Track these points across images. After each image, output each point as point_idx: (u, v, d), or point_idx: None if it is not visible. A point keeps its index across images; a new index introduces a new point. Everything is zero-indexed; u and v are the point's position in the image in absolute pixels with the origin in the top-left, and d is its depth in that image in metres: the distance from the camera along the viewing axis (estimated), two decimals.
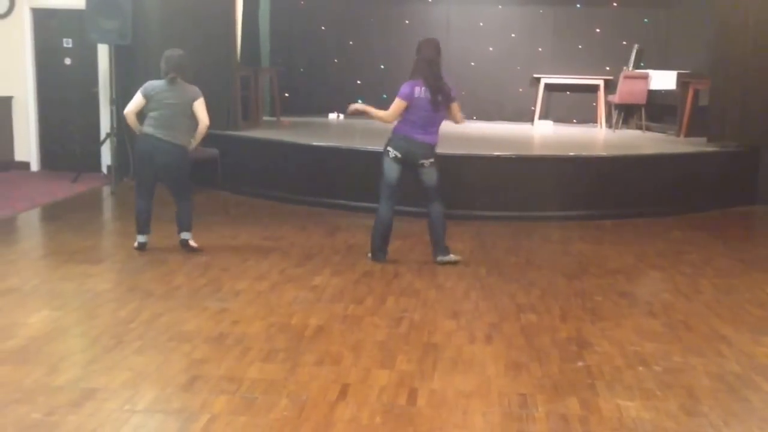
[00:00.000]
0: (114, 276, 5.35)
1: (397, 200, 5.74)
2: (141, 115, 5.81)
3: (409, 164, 5.62)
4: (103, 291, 4.94)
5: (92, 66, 9.38)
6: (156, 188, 5.98)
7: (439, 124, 5.73)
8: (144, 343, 4.01)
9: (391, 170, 5.63)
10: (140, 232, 5.91)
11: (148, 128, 5.70)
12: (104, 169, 9.36)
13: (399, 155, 5.58)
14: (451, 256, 5.70)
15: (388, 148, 5.64)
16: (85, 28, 8.55)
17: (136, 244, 5.92)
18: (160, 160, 5.71)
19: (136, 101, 5.76)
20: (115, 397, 3.36)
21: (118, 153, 8.75)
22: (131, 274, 5.30)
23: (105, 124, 9.17)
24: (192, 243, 5.93)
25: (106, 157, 9.12)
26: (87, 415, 3.18)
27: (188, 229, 5.97)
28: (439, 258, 5.69)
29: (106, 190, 8.53)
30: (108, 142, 8.84)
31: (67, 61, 9.54)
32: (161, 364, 3.74)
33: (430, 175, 5.67)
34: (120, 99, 8.80)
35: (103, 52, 9.13)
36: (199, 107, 5.80)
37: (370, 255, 5.80)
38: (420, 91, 5.59)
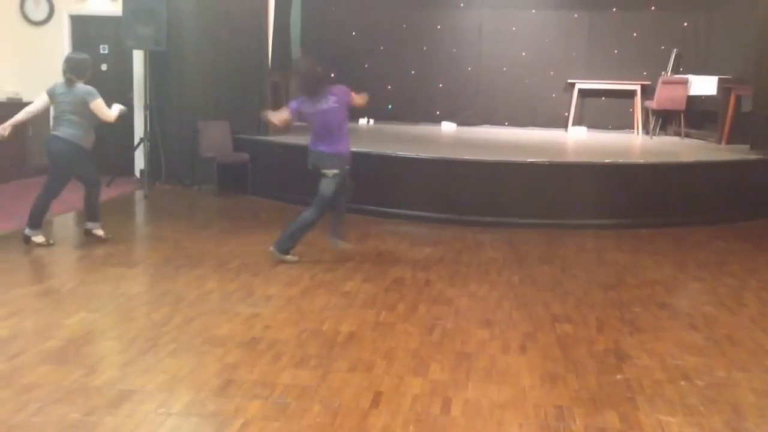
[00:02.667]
0: (148, 279, 5.38)
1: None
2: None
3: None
4: (137, 294, 4.97)
5: (127, 72, 9.49)
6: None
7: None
8: (178, 346, 4.01)
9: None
10: (30, 226, 6.10)
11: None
12: (137, 174, 9.46)
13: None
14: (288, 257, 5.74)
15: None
16: (122, 35, 8.66)
17: (25, 235, 6.08)
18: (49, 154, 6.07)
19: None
20: (150, 399, 3.37)
21: (151, 157, 8.84)
22: (164, 278, 5.32)
23: (139, 129, 9.27)
24: (96, 232, 6.26)
25: (140, 161, 9.22)
26: (124, 417, 3.20)
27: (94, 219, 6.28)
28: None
29: (139, 194, 8.60)
30: (141, 147, 8.93)
31: (104, 67, 9.66)
32: (195, 367, 3.74)
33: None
34: (154, 104, 8.92)
35: (138, 58, 9.24)
36: (96, 108, 6.00)
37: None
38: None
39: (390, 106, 11.47)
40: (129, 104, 9.48)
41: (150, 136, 8.82)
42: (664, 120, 10.62)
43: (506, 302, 4.96)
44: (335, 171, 5.67)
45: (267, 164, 8.59)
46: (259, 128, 8.99)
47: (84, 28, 9.61)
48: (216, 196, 8.60)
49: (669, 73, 10.35)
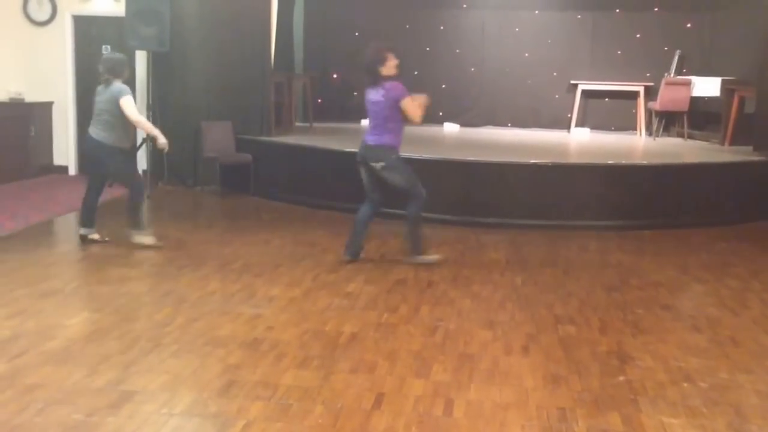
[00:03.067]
0: (150, 280, 5.38)
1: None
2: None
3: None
4: (139, 294, 4.97)
5: (130, 72, 9.47)
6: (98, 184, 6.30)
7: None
8: (180, 347, 4.01)
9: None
10: (83, 225, 6.20)
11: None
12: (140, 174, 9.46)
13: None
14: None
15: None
16: (124, 35, 8.67)
17: (81, 234, 6.17)
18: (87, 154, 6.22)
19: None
20: (152, 400, 3.36)
21: (154, 158, 8.85)
22: (167, 279, 5.31)
23: (141, 130, 9.26)
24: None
25: (142, 161, 9.22)
26: (126, 417, 3.19)
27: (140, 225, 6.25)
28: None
29: None
30: (144, 147, 8.94)
31: None
32: (197, 368, 3.73)
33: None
34: (157, 105, 8.92)
35: (140, 58, 9.25)
36: (124, 105, 5.96)
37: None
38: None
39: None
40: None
41: (152, 137, 8.80)
42: (667, 121, 10.60)
43: (509, 303, 4.95)
44: (382, 163, 5.65)
45: (270, 165, 8.59)
46: (261, 129, 9.00)
47: (87, 28, 9.62)
48: (218, 197, 8.61)
49: (672, 74, 10.34)
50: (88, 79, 9.67)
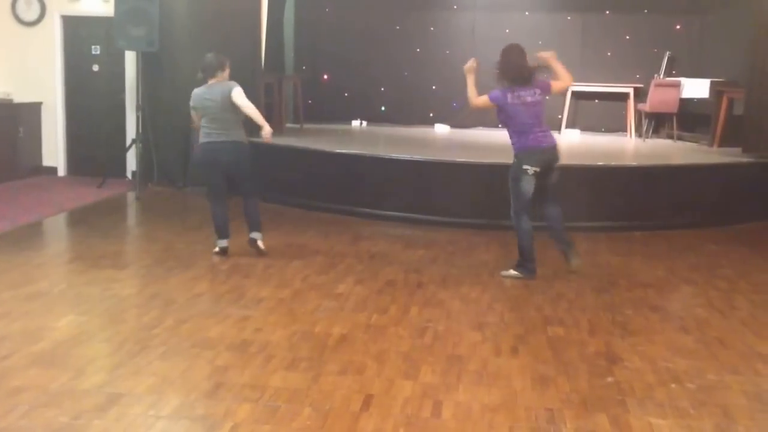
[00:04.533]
0: (138, 282, 5.35)
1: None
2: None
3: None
4: (127, 296, 4.95)
5: (119, 73, 9.46)
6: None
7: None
8: (168, 349, 3.99)
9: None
10: (220, 236, 5.97)
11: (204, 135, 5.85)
12: (129, 175, 9.43)
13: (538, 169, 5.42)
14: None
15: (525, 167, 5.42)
16: (113, 36, 8.63)
17: (216, 248, 5.95)
18: (223, 160, 5.82)
19: (193, 115, 5.99)
20: (140, 402, 3.34)
21: (143, 159, 8.81)
22: (155, 280, 5.29)
23: (131, 131, 9.24)
24: (260, 243, 5.98)
25: (132, 162, 9.19)
26: (113, 420, 3.17)
27: (257, 228, 6.01)
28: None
29: (131, 196, 8.58)
30: (133, 148, 8.90)
31: (95, 67, 9.64)
32: (185, 370, 3.72)
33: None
34: (146, 105, 8.88)
35: (129, 59, 9.22)
36: (237, 97, 5.74)
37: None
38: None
39: (383, 108, 11.47)
40: (121, 105, 9.50)
41: (142, 137, 8.78)
42: (656, 123, 10.64)
43: (498, 305, 4.96)
44: (558, 162, 5.57)
45: (259, 165, 8.54)
46: (251, 129, 8.95)
47: (76, 28, 9.57)
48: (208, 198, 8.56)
49: (662, 76, 10.38)
50: (77, 79, 9.66)
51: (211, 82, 5.84)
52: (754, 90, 8.29)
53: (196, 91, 5.87)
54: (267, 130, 5.88)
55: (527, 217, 5.54)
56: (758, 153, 8.25)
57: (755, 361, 4.04)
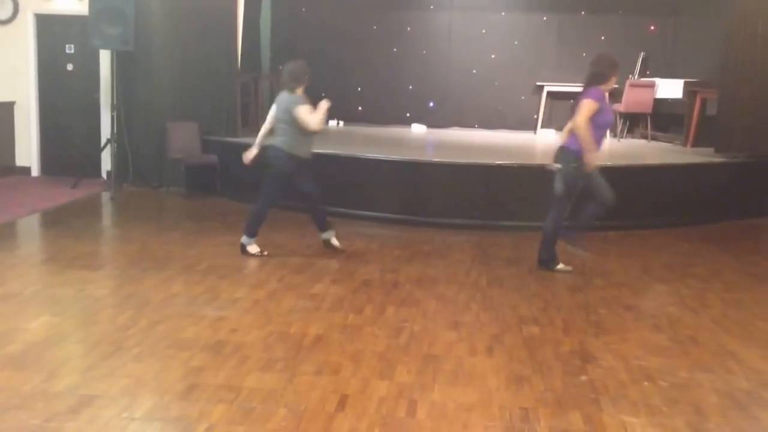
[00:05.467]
0: (113, 282, 5.30)
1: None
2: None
3: None
4: (102, 297, 4.89)
5: (94, 72, 9.36)
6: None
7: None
8: (142, 350, 3.96)
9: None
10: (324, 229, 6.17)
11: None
12: (104, 175, 9.33)
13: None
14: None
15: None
16: (88, 34, 8.53)
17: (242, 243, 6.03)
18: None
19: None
20: (113, 404, 3.32)
21: (118, 159, 8.73)
22: (130, 281, 5.24)
23: (105, 130, 9.15)
24: (333, 241, 6.15)
25: (107, 162, 9.09)
26: (85, 422, 3.14)
27: (323, 228, 6.17)
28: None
29: (106, 196, 8.49)
30: (108, 147, 8.81)
31: (69, 66, 9.53)
32: (159, 371, 3.69)
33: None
34: (121, 105, 8.79)
35: (104, 58, 9.12)
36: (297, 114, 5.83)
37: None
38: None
39: (360, 108, 11.47)
40: (95, 104, 9.40)
41: (117, 137, 8.70)
42: (631, 123, 10.76)
43: (474, 304, 4.98)
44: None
45: (236, 166, 8.48)
46: (227, 129, 8.93)
47: (49, 27, 9.45)
48: (184, 198, 8.52)
49: (636, 77, 10.49)
50: (51, 78, 9.54)
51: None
52: (727, 91, 8.41)
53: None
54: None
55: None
56: (730, 153, 8.37)
57: (727, 359, 4.11)
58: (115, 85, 8.73)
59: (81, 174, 8.91)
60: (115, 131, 8.70)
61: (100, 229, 7.46)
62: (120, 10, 8.34)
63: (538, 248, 5.86)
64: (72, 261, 5.69)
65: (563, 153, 5.66)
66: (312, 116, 5.79)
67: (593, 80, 5.63)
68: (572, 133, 5.63)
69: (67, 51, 9.48)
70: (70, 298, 4.80)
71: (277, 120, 5.96)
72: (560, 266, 5.81)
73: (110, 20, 8.33)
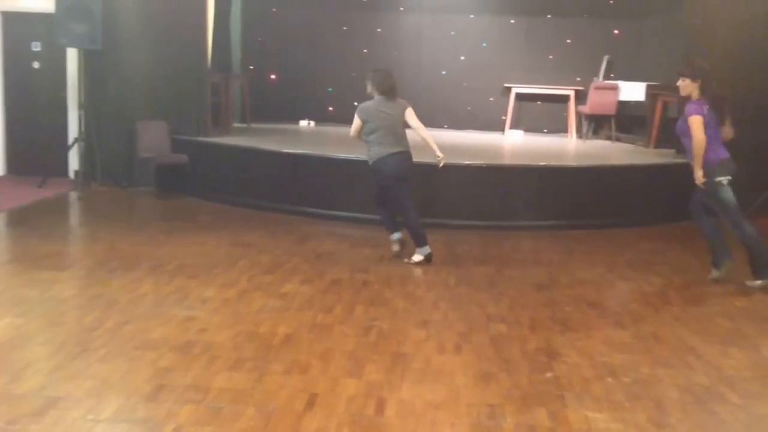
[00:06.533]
0: (79, 283, 5.25)
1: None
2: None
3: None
4: (68, 298, 4.84)
5: (61, 70, 9.23)
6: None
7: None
8: (109, 351, 3.93)
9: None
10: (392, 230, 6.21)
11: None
12: (72, 174, 9.20)
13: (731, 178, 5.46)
14: None
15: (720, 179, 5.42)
16: (55, 32, 8.42)
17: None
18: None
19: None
20: (78, 406, 3.29)
21: (86, 158, 8.62)
22: (97, 282, 5.19)
23: (73, 129, 9.03)
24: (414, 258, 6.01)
25: (74, 161, 8.97)
26: (50, 425, 3.11)
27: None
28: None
29: (73, 196, 8.38)
30: (76, 146, 8.70)
31: (36, 64, 9.38)
32: (126, 372, 3.67)
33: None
34: (89, 104, 8.69)
35: (72, 56, 9.00)
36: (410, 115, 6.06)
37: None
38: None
39: (330, 108, 11.48)
40: (63, 103, 9.27)
41: (85, 136, 8.59)
42: (596, 124, 10.94)
43: (442, 303, 5.03)
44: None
45: (206, 165, 8.49)
46: (198, 129, 8.88)
47: (15, 24, 9.29)
48: (154, 198, 8.45)
49: (600, 79, 10.66)
50: (17, 76, 9.38)
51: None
52: None
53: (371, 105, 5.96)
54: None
55: (747, 222, 5.49)
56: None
57: (687, 355, 4.21)
58: (82, 83, 8.63)
59: (48, 173, 8.78)
60: (82, 130, 8.60)
61: (67, 229, 7.37)
62: (87, 8, 8.24)
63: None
64: (37, 261, 5.62)
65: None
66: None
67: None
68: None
69: (34, 49, 9.33)
70: (35, 299, 4.74)
71: (391, 127, 5.91)
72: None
73: (78, 18, 8.23)
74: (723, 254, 5.66)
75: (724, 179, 5.44)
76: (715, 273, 5.70)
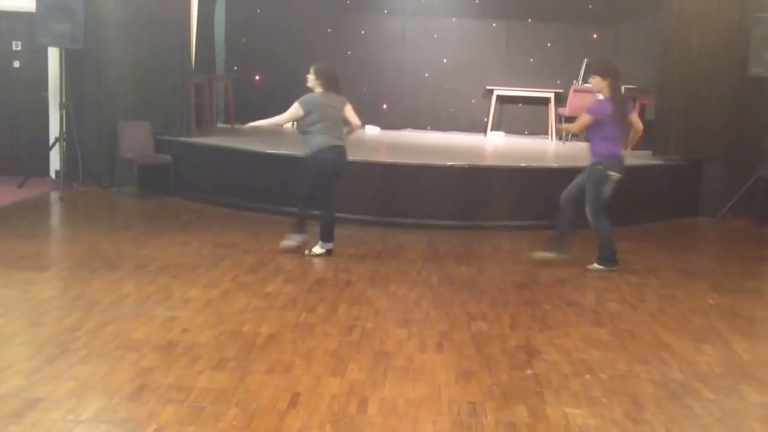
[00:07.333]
0: (60, 283, 5.23)
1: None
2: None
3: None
4: (48, 299, 4.82)
5: (42, 69, 9.17)
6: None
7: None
8: (90, 351, 3.93)
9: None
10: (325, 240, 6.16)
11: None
12: (53, 175, 9.15)
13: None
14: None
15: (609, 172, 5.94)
16: (36, 31, 8.37)
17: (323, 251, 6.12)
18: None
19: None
20: (58, 407, 3.28)
21: (68, 158, 8.58)
22: (78, 282, 5.18)
23: (54, 129, 8.97)
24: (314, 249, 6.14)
25: (55, 162, 8.92)
26: (29, 426, 3.11)
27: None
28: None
29: (55, 196, 8.33)
30: (57, 146, 8.66)
31: (16, 64, 9.32)
32: (107, 373, 3.67)
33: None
34: (70, 103, 8.64)
35: (53, 55, 8.95)
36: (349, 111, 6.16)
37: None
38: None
39: None
40: (44, 102, 9.21)
41: (66, 136, 8.55)
42: None
43: (424, 302, 5.08)
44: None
45: (189, 166, 8.48)
46: (181, 129, 8.87)
47: None
48: (136, 198, 8.43)
49: (580, 82, 10.77)
50: None
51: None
52: (664, 96, 8.79)
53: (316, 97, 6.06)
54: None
55: (605, 217, 6.08)
56: (666, 156, 8.72)
57: (662, 352, 4.30)
58: (64, 83, 8.58)
59: (28, 173, 8.72)
60: (64, 130, 8.55)
61: (48, 230, 7.34)
62: (69, 7, 8.20)
63: None
64: (17, 262, 5.59)
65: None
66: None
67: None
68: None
69: (14, 48, 9.27)
70: (15, 300, 4.73)
71: (333, 120, 6.04)
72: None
73: (59, 17, 8.18)
74: (563, 237, 6.19)
75: (615, 175, 5.99)
76: (547, 255, 6.17)
